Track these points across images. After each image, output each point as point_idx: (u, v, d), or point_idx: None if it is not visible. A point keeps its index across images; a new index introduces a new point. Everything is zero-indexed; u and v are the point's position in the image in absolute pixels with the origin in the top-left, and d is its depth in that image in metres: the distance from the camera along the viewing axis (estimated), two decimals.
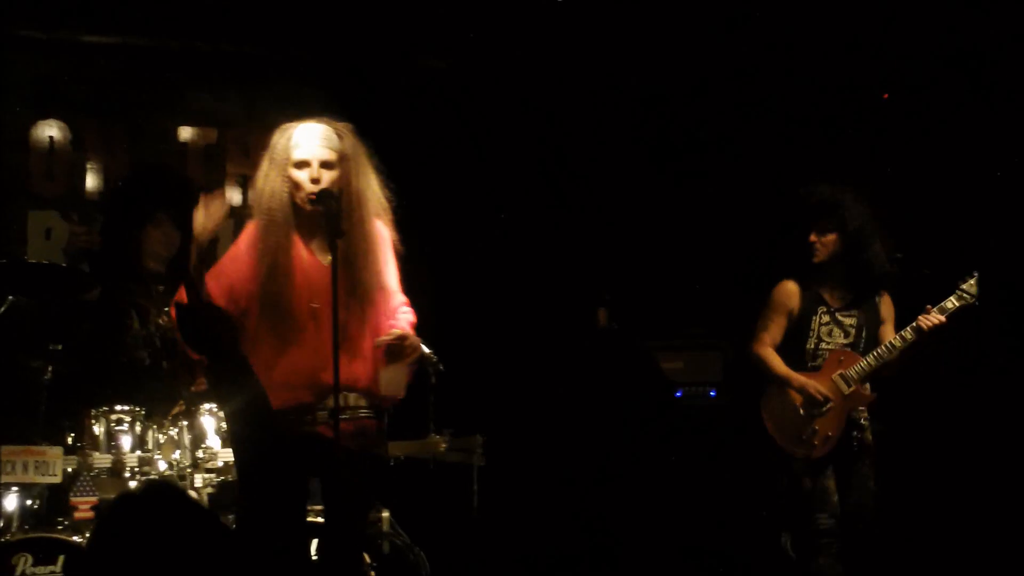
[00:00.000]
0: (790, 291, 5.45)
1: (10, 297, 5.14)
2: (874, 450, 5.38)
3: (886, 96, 6.61)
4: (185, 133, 6.96)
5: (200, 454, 5.04)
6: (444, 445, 5.43)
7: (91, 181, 6.76)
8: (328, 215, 3.75)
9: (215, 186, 4.00)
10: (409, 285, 5.77)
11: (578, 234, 7.06)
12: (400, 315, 4.08)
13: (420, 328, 5.20)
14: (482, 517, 5.46)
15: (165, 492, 2.17)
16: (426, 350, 5.14)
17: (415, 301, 5.47)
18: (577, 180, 7.16)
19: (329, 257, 3.78)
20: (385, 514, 5.51)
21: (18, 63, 6.59)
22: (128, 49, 6.75)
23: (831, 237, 5.35)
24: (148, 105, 6.85)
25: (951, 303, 5.20)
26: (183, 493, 2.31)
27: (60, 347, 5.20)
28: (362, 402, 3.94)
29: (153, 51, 6.80)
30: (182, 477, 5.04)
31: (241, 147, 6.99)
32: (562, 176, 7.18)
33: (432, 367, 5.24)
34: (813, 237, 5.37)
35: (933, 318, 5.15)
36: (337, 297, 3.64)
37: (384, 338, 3.86)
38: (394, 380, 3.91)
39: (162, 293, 5.71)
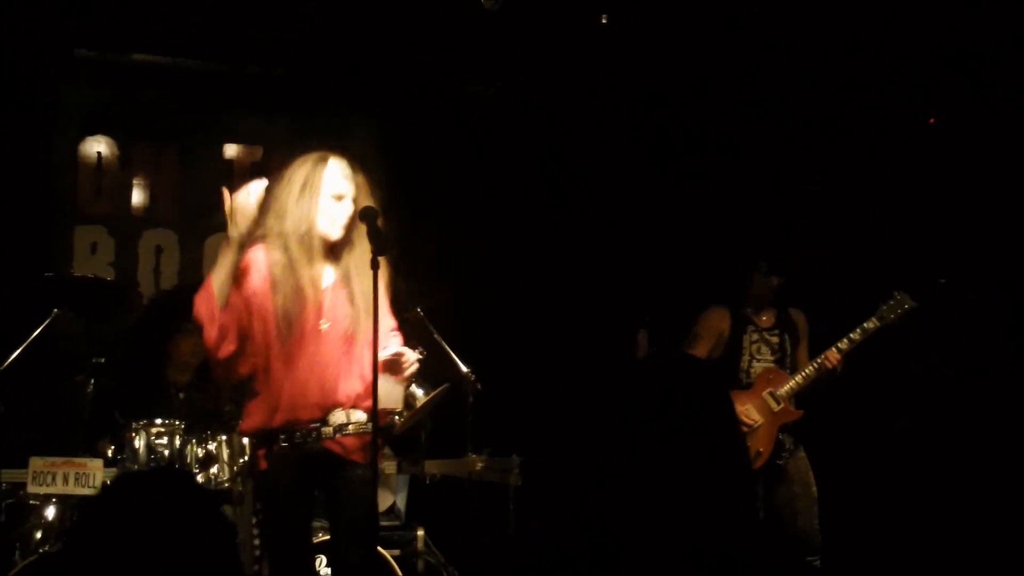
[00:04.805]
0: (721, 315, 5.86)
1: (55, 310, 5.21)
2: (807, 468, 5.72)
3: (932, 120, 6.58)
4: (231, 151, 7.05)
5: (237, 469, 5.07)
6: (481, 464, 5.42)
7: (138, 198, 6.85)
8: (372, 232, 3.86)
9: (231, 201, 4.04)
10: (448, 306, 5.87)
11: (619, 254, 7.04)
12: (391, 338, 4.23)
13: (459, 348, 5.28)
14: (517, 537, 5.44)
15: (171, 477, 2.15)
16: (464, 369, 5.20)
17: (454, 321, 5.55)
18: (617, 201, 7.15)
19: (333, 280, 4.06)
20: (420, 532, 5.52)
21: (69, 82, 6.70)
22: (178, 70, 6.84)
23: (782, 279, 5.81)
24: (196, 124, 6.94)
25: (856, 333, 5.60)
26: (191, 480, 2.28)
27: (103, 360, 5.26)
28: (367, 418, 4.05)
29: (202, 73, 6.89)
30: (220, 491, 5.07)
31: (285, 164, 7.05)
32: (602, 197, 7.18)
33: (470, 387, 5.27)
34: (775, 282, 5.79)
35: (832, 357, 5.58)
36: (377, 319, 3.73)
37: (385, 354, 3.97)
38: (391, 394, 4.05)
39: (183, 400, 5.82)
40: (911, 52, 6.25)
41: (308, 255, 4.00)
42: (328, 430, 4.01)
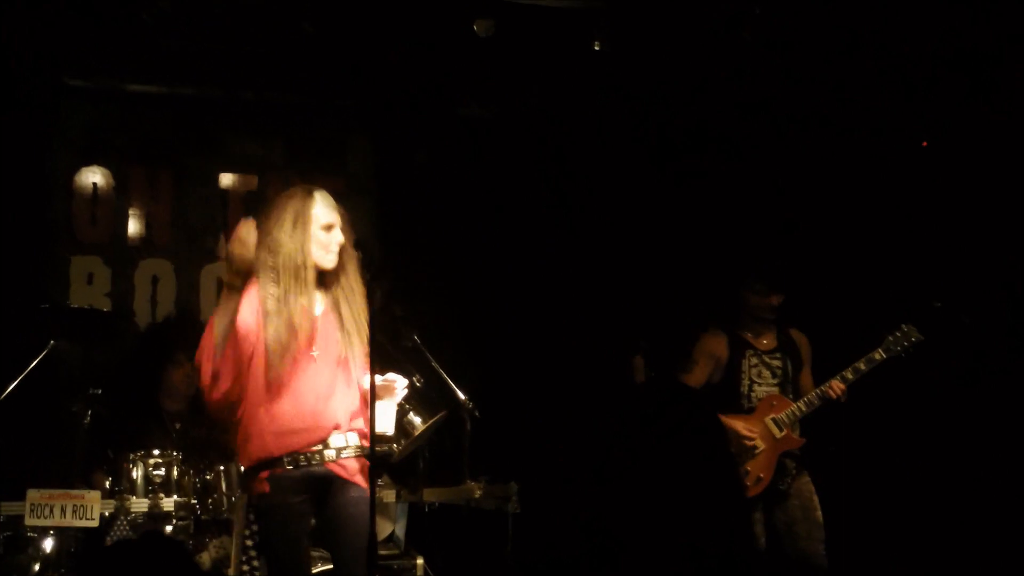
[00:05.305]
0: (716, 340, 5.79)
1: (52, 341, 5.21)
2: (811, 493, 5.65)
3: (925, 144, 6.59)
4: (226, 179, 7.05)
5: (235, 498, 5.06)
6: (479, 492, 5.42)
7: (134, 227, 6.85)
8: (368, 262, 4.14)
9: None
10: (447, 333, 5.87)
11: (616, 279, 7.04)
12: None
13: (457, 375, 5.29)
14: (516, 565, 5.43)
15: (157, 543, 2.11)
16: (461, 396, 5.20)
17: (453, 348, 5.54)
18: (613, 225, 7.15)
19: (323, 308, 4.23)
20: (419, 560, 5.50)
21: (65, 111, 6.71)
22: (172, 98, 6.85)
23: (780, 297, 5.77)
24: (191, 152, 6.94)
25: (862, 363, 5.59)
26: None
27: (99, 391, 5.26)
28: (362, 441, 4.22)
29: (197, 100, 6.90)
30: (218, 521, 5.07)
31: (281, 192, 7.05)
32: (598, 221, 7.18)
33: (467, 414, 5.27)
34: (775, 300, 5.74)
35: (836, 387, 5.55)
36: (372, 345, 3.98)
37: (378, 378, 4.14)
38: (386, 418, 4.24)
39: (179, 430, 5.81)
40: (911, 52, 6.23)
41: (301, 285, 4.16)
42: (331, 453, 4.14)
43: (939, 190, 6.46)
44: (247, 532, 4.90)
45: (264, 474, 4.13)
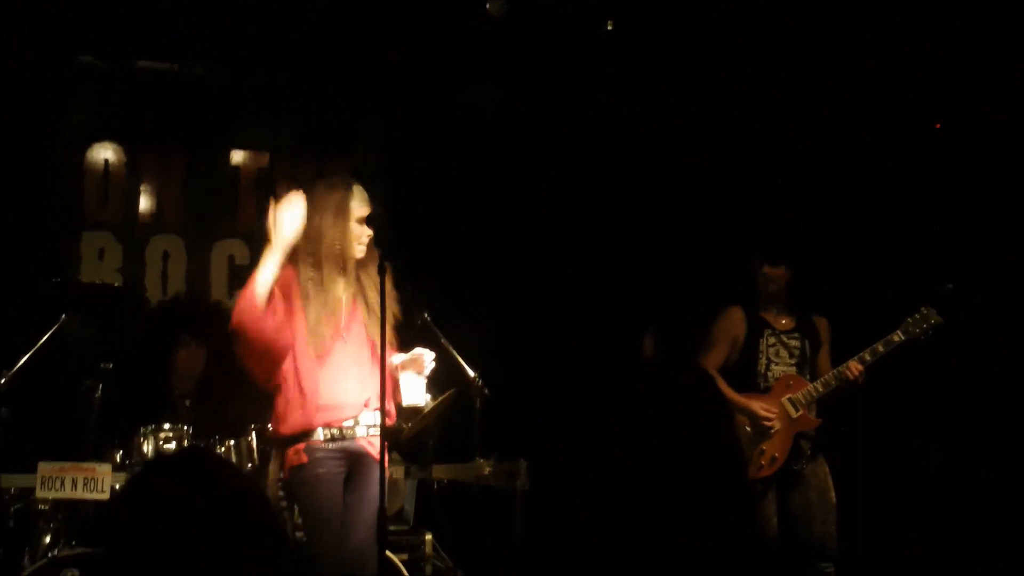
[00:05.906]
0: (736, 318, 5.76)
1: (63, 316, 5.23)
2: (826, 475, 5.61)
3: (938, 126, 6.58)
4: (237, 157, 7.06)
5: (245, 474, 5.07)
6: (488, 469, 5.42)
7: (144, 204, 6.86)
8: (379, 237, 4.34)
9: (265, 211, 4.29)
10: (458, 311, 5.87)
11: (626, 256, 7.04)
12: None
13: (468, 354, 5.29)
14: (525, 542, 5.43)
15: (201, 457, 2.02)
16: (471, 374, 5.21)
17: (461, 326, 5.54)
18: (621, 202, 7.15)
19: (353, 291, 4.48)
20: (428, 537, 5.52)
21: (76, 89, 6.71)
22: (183, 77, 6.85)
23: (781, 270, 5.70)
24: (202, 131, 6.95)
25: (880, 345, 5.53)
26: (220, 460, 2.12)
27: (111, 366, 5.27)
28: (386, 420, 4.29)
29: (208, 79, 6.90)
30: None
31: (291, 173, 7.07)
32: (606, 198, 7.17)
33: (477, 391, 5.27)
34: (781, 273, 5.70)
35: (854, 367, 5.49)
36: (384, 323, 4.02)
37: (404, 356, 4.49)
38: (417, 390, 4.46)
39: (187, 407, 5.83)
40: (911, 52, 6.23)
41: (340, 271, 4.42)
42: (362, 430, 4.35)
43: (945, 182, 6.46)
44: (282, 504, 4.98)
45: (301, 446, 4.31)
